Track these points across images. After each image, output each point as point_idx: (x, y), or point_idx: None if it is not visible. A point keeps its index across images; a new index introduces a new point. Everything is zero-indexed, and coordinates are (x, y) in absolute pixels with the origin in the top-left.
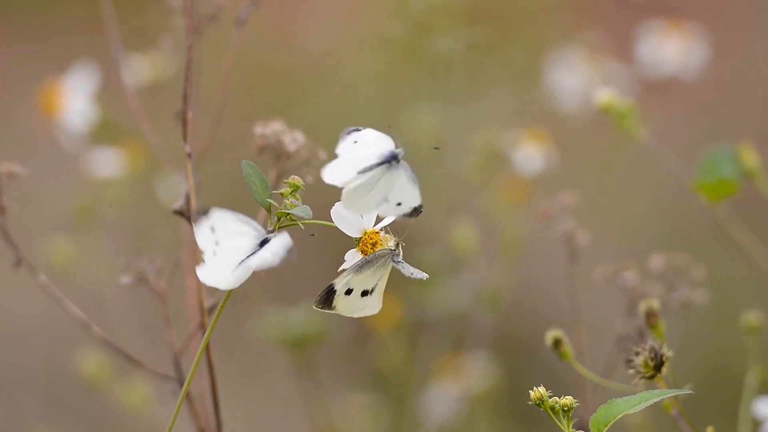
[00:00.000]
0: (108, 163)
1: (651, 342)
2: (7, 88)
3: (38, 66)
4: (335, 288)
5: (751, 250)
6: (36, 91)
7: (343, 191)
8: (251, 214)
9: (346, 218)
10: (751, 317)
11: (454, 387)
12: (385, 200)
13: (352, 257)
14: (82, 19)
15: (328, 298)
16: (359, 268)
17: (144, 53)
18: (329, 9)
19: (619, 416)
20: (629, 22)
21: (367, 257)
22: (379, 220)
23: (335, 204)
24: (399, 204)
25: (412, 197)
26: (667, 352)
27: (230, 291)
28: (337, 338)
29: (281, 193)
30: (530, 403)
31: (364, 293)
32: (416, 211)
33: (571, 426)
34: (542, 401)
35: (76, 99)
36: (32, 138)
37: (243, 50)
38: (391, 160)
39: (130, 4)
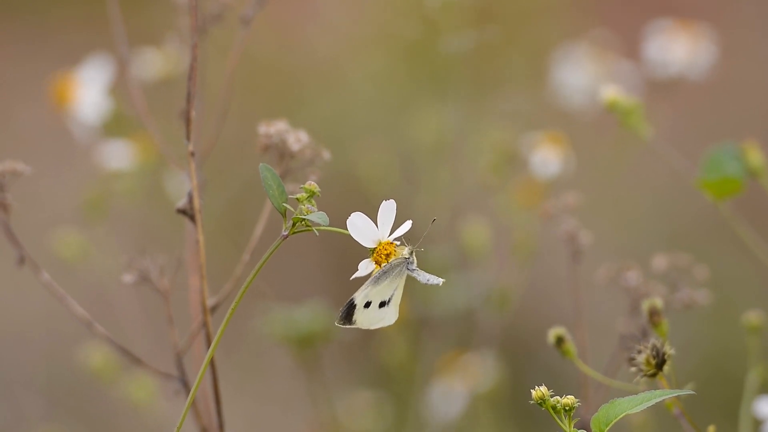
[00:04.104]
0: (118, 156)
1: (653, 340)
2: (8, 87)
3: (38, 64)
4: (355, 302)
5: (754, 248)
6: (38, 88)
7: None
8: (255, 213)
9: (361, 229)
10: (753, 317)
11: (458, 385)
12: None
13: (366, 267)
14: (82, 18)
15: (348, 313)
16: (377, 279)
17: (151, 50)
18: (332, 9)
19: (621, 416)
20: (631, 20)
21: (383, 268)
22: (393, 230)
23: (352, 214)
24: None
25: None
26: (669, 350)
27: (243, 291)
28: (342, 335)
29: (297, 198)
30: (532, 402)
31: (382, 304)
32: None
33: (572, 425)
34: (544, 401)
35: (89, 91)
36: (33, 136)
37: (246, 50)
38: None
39: (131, 2)
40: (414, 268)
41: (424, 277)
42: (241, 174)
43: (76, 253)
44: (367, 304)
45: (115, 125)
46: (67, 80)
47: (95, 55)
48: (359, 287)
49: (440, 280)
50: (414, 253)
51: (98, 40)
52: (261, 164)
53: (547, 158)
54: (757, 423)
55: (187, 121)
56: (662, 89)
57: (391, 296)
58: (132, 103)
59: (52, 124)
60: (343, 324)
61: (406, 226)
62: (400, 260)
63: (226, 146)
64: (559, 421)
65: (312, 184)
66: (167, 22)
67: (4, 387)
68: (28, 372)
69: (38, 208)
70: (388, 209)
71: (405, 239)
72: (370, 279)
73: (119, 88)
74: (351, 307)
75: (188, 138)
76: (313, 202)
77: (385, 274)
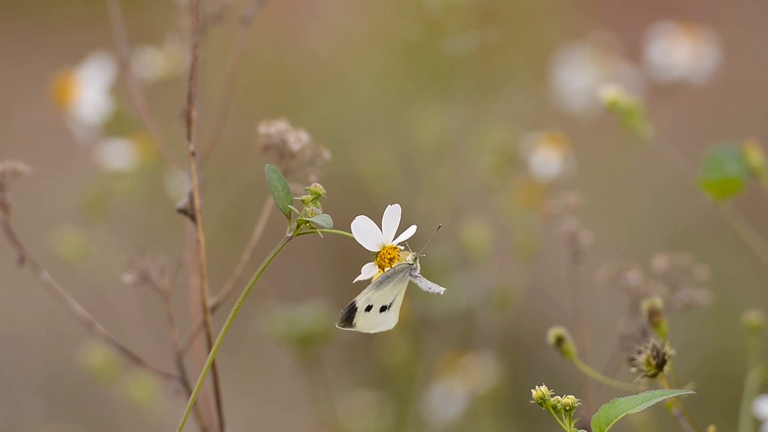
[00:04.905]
0: (119, 156)
1: (653, 341)
2: (8, 87)
3: (38, 64)
4: (356, 305)
5: (754, 248)
6: (38, 88)
7: None
8: (256, 213)
9: (365, 231)
10: (753, 317)
11: (459, 386)
12: None
13: (369, 270)
14: (82, 18)
15: (349, 316)
16: (379, 284)
17: (151, 50)
18: (332, 9)
19: (621, 416)
20: (632, 21)
21: (386, 273)
22: (397, 235)
23: (356, 218)
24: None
25: None
26: (670, 350)
27: (246, 292)
28: (343, 336)
29: (302, 200)
30: (532, 402)
31: (383, 309)
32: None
33: (572, 425)
34: (544, 400)
35: (90, 90)
36: (33, 136)
37: (246, 50)
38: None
39: (131, 2)
40: (417, 274)
41: (426, 284)
42: (241, 174)
43: (76, 253)
44: (369, 308)
45: (116, 125)
46: (67, 80)
47: (95, 55)
48: (361, 290)
49: (442, 289)
50: (417, 260)
51: (98, 40)
52: (267, 165)
53: (547, 159)
54: (757, 423)
55: (188, 120)
56: (664, 91)
57: (392, 301)
58: (132, 102)
59: (52, 124)
60: (344, 327)
61: (411, 231)
62: (403, 266)
63: (227, 146)
64: (559, 421)
65: (318, 186)
66: (167, 22)
67: (4, 387)
68: (28, 372)
69: (38, 208)
70: (393, 214)
71: (408, 244)
72: (372, 283)
73: (120, 87)
74: (352, 310)
75: (189, 138)
76: (318, 204)
77: (388, 278)
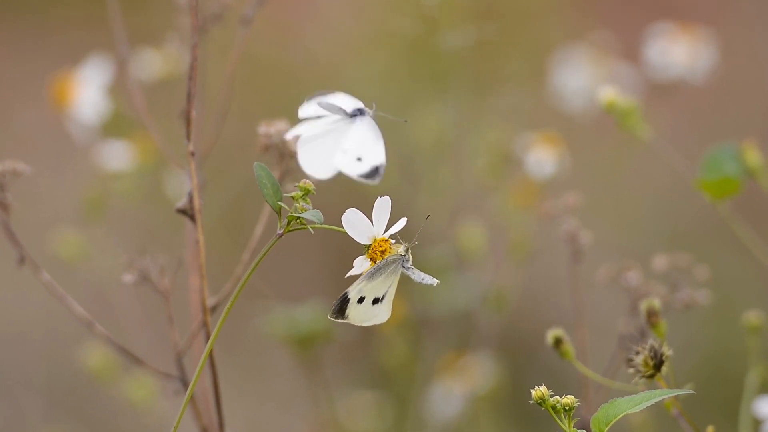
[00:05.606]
0: (119, 156)
1: (651, 341)
2: (8, 87)
3: (38, 64)
4: (349, 296)
5: (753, 248)
6: (38, 88)
7: (298, 141)
8: (255, 213)
9: (356, 225)
10: (752, 317)
11: (458, 386)
12: (343, 151)
13: (361, 264)
14: (82, 18)
15: (342, 307)
16: (371, 275)
17: (151, 50)
18: (331, 9)
19: (621, 416)
20: (631, 20)
21: (378, 264)
22: (388, 228)
23: (347, 210)
24: (359, 159)
25: (373, 153)
26: (667, 351)
27: (239, 289)
28: (343, 335)
29: (292, 197)
30: (532, 402)
31: (375, 301)
32: (377, 172)
33: (572, 425)
34: (543, 400)
35: (88, 91)
36: (33, 136)
37: (246, 50)
38: (356, 113)
39: (131, 2)
40: (409, 266)
41: (419, 275)
42: (241, 174)
43: (76, 253)
44: (361, 300)
45: (115, 125)
46: (66, 80)
47: (95, 55)
48: None
49: (435, 280)
50: (409, 251)
51: (98, 40)
52: (255, 163)
53: (541, 158)
54: (757, 423)
55: (188, 120)
56: (662, 91)
57: (385, 293)
58: (132, 103)
59: (52, 124)
60: (336, 318)
61: (401, 223)
62: (395, 257)
63: (226, 146)
64: (558, 420)
65: (307, 182)
66: (167, 22)
67: (4, 387)
68: (28, 372)
69: (38, 208)
70: (382, 206)
71: (400, 237)
72: (364, 274)
73: (119, 88)
74: (344, 301)
75: (188, 138)
76: (308, 200)
77: (380, 270)
